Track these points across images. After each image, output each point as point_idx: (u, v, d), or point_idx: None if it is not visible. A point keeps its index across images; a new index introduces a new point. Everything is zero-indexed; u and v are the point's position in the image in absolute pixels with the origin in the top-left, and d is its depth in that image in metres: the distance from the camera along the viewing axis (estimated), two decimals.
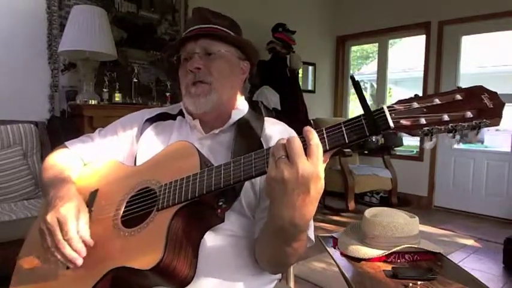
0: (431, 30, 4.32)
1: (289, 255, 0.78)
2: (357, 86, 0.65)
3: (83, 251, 0.77)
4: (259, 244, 0.84)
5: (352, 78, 0.67)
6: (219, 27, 0.97)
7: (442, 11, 4.19)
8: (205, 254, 0.80)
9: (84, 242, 0.77)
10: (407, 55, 7.47)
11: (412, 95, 0.64)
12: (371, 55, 8.66)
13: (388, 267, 1.12)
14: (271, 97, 3.78)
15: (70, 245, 0.75)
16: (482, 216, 4.01)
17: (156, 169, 0.86)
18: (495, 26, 3.97)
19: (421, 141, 0.64)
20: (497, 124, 0.59)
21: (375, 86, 5.31)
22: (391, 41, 5.04)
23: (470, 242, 3.21)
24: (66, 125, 2.62)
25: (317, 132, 0.64)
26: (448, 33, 4.24)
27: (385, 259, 1.16)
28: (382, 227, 1.18)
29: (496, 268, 2.66)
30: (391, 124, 0.60)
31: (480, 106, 0.59)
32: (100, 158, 1.01)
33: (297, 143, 0.61)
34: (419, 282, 1.02)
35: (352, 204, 4.01)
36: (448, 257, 1.23)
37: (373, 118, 0.62)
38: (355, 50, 6.34)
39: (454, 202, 4.25)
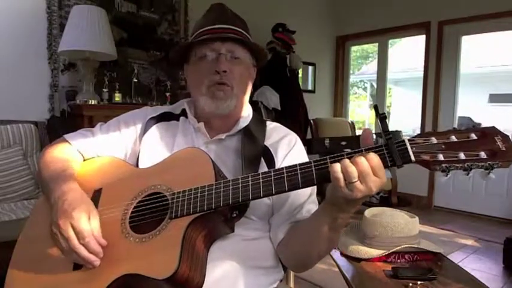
0: (431, 30, 4.32)
1: (331, 241, 0.82)
2: (382, 118, 0.67)
3: (100, 251, 0.77)
4: (288, 244, 0.88)
5: (376, 109, 0.69)
6: (242, 30, 0.96)
7: (441, 11, 4.19)
8: (210, 257, 0.80)
9: (98, 243, 0.77)
10: (407, 55, 7.46)
11: (431, 130, 0.66)
12: (371, 55, 8.65)
13: (388, 267, 1.12)
14: (271, 97, 3.78)
15: (87, 248, 0.75)
16: (482, 216, 4.01)
17: (166, 174, 0.84)
18: (495, 26, 3.97)
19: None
20: (508, 167, 0.63)
21: (375, 86, 5.31)
22: (391, 41, 5.04)
23: (470, 242, 3.21)
24: (66, 125, 2.61)
25: (336, 156, 0.68)
26: (447, 33, 4.24)
27: (385, 259, 1.17)
28: (382, 227, 1.18)
29: (496, 268, 2.66)
30: (413, 158, 0.64)
31: (493, 148, 0.62)
32: (101, 154, 0.98)
33: (365, 164, 0.64)
34: (419, 282, 1.02)
35: None
36: (448, 257, 1.24)
37: (395, 151, 0.64)
38: (355, 50, 6.34)
39: (454, 202, 4.25)
